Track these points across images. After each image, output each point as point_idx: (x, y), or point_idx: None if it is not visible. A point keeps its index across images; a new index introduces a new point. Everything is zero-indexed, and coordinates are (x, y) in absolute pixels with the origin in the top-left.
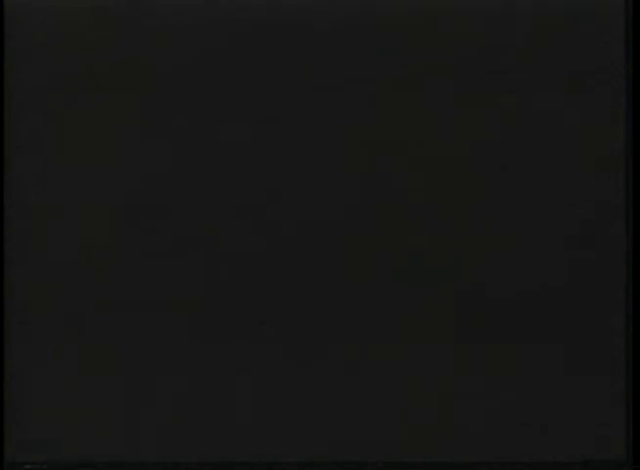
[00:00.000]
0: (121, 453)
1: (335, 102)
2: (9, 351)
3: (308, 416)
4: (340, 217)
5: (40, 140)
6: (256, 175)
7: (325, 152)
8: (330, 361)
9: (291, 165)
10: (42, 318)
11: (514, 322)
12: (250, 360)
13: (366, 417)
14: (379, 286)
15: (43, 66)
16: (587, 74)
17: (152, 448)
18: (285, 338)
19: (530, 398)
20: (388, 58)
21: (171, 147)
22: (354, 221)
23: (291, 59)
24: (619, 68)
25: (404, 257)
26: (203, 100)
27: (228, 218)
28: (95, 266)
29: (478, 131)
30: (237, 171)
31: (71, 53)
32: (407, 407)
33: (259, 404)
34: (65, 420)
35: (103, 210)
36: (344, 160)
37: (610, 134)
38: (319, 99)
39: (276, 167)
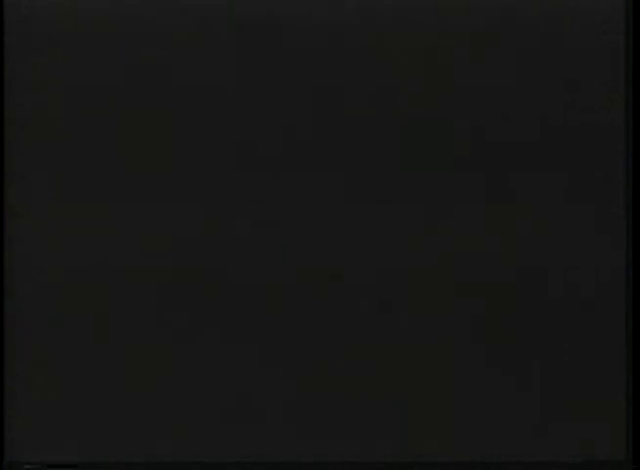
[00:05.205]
0: (121, 453)
1: (334, 107)
2: (9, 351)
3: (308, 416)
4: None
5: (41, 140)
6: (251, 174)
7: (322, 155)
8: (329, 362)
9: (289, 167)
10: (42, 318)
11: (512, 324)
12: (248, 362)
13: (366, 417)
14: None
15: (43, 66)
16: (587, 74)
17: (152, 449)
18: (283, 338)
19: (531, 398)
20: (386, 65)
21: (171, 142)
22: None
23: (288, 64)
24: (620, 67)
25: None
26: (202, 102)
27: (230, 221)
28: (95, 266)
29: (476, 130)
30: (234, 171)
31: (72, 53)
32: (406, 408)
33: (259, 405)
34: (65, 420)
35: (103, 207)
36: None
37: (610, 134)
38: (317, 102)
39: (273, 166)
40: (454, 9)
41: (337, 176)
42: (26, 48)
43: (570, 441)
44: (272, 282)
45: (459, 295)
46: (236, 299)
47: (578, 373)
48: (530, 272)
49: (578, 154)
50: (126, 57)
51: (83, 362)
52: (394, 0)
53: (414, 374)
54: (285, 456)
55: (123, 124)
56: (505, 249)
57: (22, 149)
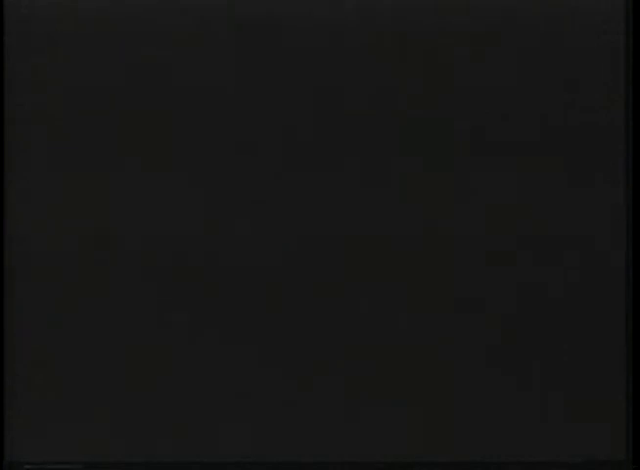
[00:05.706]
0: (121, 453)
1: (334, 109)
2: (9, 351)
3: (308, 416)
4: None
5: (41, 140)
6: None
7: (322, 155)
8: (329, 362)
9: (289, 167)
10: (42, 318)
11: (512, 324)
12: (248, 362)
13: (366, 417)
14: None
15: (43, 66)
16: (587, 74)
17: (152, 449)
18: (283, 338)
19: (531, 398)
20: (385, 64)
21: (171, 142)
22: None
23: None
24: (620, 67)
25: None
26: (202, 102)
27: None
28: (95, 266)
29: (476, 130)
30: (234, 171)
31: (72, 53)
32: (406, 408)
33: (259, 405)
34: (65, 420)
35: (103, 207)
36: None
37: (610, 134)
38: (317, 102)
39: (273, 165)
40: (454, 9)
41: (337, 176)
42: (26, 48)
43: (570, 441)
44: (272, 282)
45: (459, 295)
46: (236, 299)
47: (578, 373)
48: (530, 272)
49: (578, 154)
50: (126, 57)
51: (83, 362)
52: (394, 0)
53: (414, 374)
54: (285, 456)
55: (123, 124)
56: (505, 249)
57: (23, 149)
